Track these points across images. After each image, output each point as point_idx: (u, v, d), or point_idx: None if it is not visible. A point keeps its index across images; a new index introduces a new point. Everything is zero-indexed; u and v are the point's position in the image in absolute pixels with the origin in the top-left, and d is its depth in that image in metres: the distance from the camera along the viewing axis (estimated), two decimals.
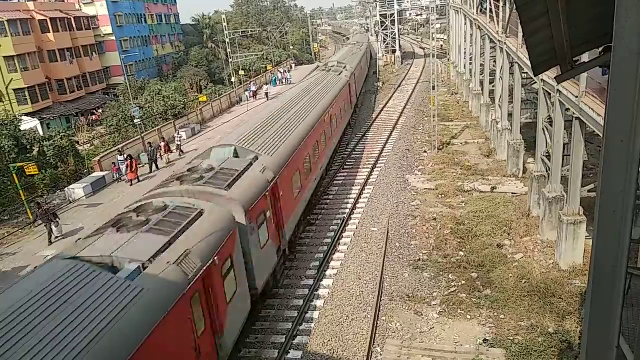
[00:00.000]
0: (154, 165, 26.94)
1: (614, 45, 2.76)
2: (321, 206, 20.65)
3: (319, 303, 13.87)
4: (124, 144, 30.10)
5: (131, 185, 24.97)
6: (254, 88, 48.93)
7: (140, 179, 25.50)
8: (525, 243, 16.04)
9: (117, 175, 26.22)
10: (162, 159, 27.97)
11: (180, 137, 31.21)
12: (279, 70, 58.25)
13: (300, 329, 12.83)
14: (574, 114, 13.16)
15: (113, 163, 26.86)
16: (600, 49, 4.76)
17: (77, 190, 24.06)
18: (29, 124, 39.02)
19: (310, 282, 14.93)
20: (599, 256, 3.10)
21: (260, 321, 13.19)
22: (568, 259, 14.23)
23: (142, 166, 28.07)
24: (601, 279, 3.12)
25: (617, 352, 3.22)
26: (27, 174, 23.76)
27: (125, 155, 25.92)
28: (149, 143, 29.09)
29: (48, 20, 49.31)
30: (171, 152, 28.88)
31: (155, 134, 33.00)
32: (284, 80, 55.05)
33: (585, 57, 6.46)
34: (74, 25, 53.86)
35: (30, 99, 45.34)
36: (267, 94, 46.18)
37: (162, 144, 28.50)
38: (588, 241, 13.94)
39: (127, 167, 25.11)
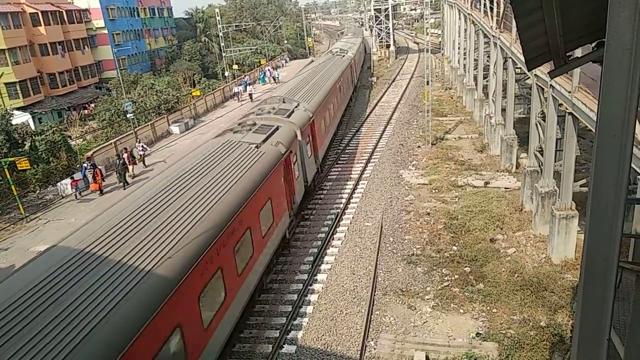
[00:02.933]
0: (122, 179, 23.54)
1: (607, 40, 2.76)
2: (315, 201, 20.66)
3: (313, 298, 13.90)
4: (116, 139, 29.84)
5: (101, 194, 22.82)
6: (236, 89, 43.91)
7: (104, 191, 23.11)
8: (518, 237, 16.15)
9: (76, 190, 23.18)
10: (127, 171, 24.45)
11: (142, 147, 27.06)
12: (267, 68, 54.37)
13: (294, 324, 12.86)
14: (566, 109, 13.23)
15: (71, 177, 24.06)
16: (594, 44, 4.77)
17: (69, 185, 23.89)
18: (20, 118, 38.65)
19: (305, 276, 14.96)
20: (590, 250, 3.13)
21: (255, 316, 13.22)
22: (560, 253, 14.35)
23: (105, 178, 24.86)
24: (593, 273, 3.14)
25: (608, 345, 3.25)
26: (19, 168, 23.58)
27: (89, 164, 23.33)
28: (117, 155, 25.67)
29: (39, 13, 48.80)
30: (135, 164, 25.52)
31: (147, 128, 32.77)
32: (272, 79, 50.85)
33: (578, 52, 6.48)
34: (66, 19, 53.34)
35: (21, 93, 44.96)
36: (250, 95, 41.74)
37: (125, 155, 24.59)
38: (580, 235, 14.07)
39: (92, 176, 22.84)
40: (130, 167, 24.77)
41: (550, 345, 11.19)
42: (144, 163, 26.86)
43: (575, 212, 14.09)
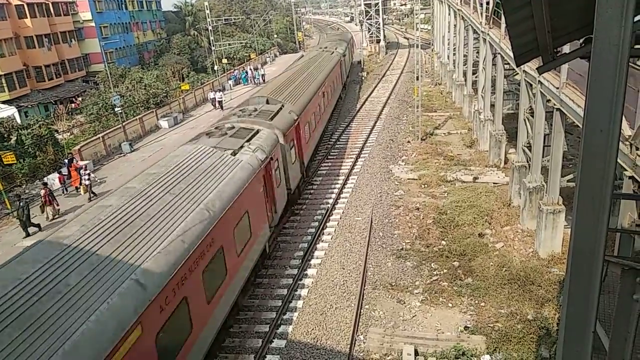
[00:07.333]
0: (26, 226, 18.89)
1: (594, 36, 2.78)
2: (305, 196, 20.66)
3: (303, 292, 13.93)
4: (105, 132, 29.51)
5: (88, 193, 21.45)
6: (212, 95, 39.77)
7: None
8: (506, 232, 16.30)
9: (63, 184, 22.60)
10: (42, 212, 20.13)
11: (88, 174, 22.10)
12: (248, 67, 49.99)
13: (284, 318, 12.88)
14: (554, 104, 13.33)
15: (59, 172, 23.01)
16: (582, 40, 4.81)
17: (56, 180, 23.60)
18: (6, 111, 38.18)
19: (295, 271, 14.98)
20: (577, 244, 3.16)
21: (244, 311, 13.21)
22: (547, 247, 14.52)
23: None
24: (579, 267, 3.18)
25: (593, 337, 3.30)
26: (5, 163, 23.29)
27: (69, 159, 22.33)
28: (17, 195, 20.40)
29: (25, 5, 47.97)
30: (51, 204, 20.17)
31: (136, 123, 32.40)
32: (255, 80, 46.50)
33: (566, 48, 6.53)
34: (52, 11, 52.48)
35: (7, 86, 44.22)
36: (220, 102, 37.49)
37: (43, 192, 20.02)
38: (567, 230, 14.22)
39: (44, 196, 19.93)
40: (49, 208, 20.16)
41: (537, 338, 11.33)
42: (92, 192, 21.99)
43: (562, 207, 14.25)
